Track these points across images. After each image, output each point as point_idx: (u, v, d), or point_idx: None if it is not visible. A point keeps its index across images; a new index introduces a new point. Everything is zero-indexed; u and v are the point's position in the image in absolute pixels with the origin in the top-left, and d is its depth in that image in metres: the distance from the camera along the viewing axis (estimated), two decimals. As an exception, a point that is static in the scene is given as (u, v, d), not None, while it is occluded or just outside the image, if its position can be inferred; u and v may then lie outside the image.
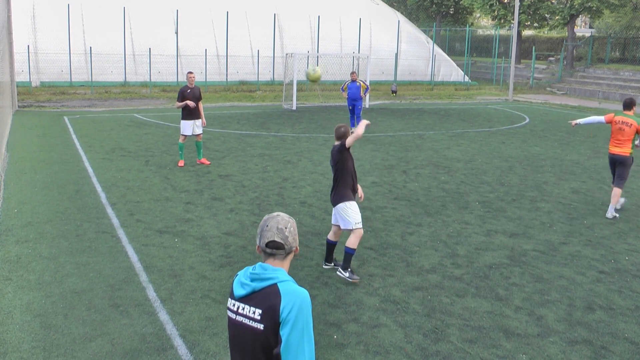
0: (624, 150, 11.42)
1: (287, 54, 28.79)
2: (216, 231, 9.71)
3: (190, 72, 14.46)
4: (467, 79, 44.71)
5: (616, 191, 11.42)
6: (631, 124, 11.28)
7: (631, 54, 52.19)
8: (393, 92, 35.06)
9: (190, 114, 14.22)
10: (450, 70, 44.47)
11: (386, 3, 50.28)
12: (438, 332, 6.64)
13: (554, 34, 57.52)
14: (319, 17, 37.40)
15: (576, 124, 12.29)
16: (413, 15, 59.92)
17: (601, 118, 12.01)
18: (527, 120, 26.05)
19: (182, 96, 14.11)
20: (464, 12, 62.06)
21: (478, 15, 62.89)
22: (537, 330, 6.83)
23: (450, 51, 50.97)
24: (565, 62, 47.10)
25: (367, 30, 39.28)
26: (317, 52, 36.61)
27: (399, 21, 41.62)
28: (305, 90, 29.91)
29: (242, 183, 12.85)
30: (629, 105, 11.49)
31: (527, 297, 7.69)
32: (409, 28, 44.10)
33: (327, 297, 7.38)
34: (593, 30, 59.86)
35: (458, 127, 22.70)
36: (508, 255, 9.15)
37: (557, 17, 47.04)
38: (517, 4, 36.71)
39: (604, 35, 53.20)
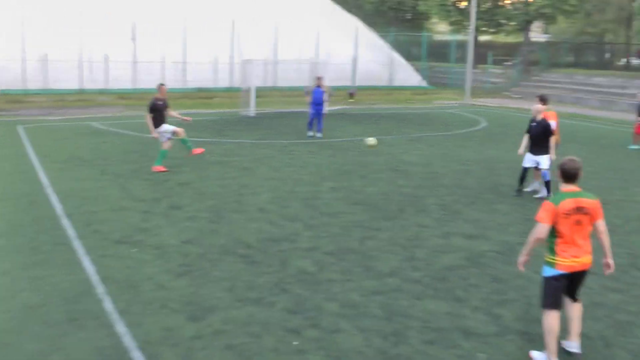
0: None
1: (244, 60, 28.72)
2: (174, 240, 9.61)
3: (162, 84, 14.55)
4: (424, 83, 45.14)
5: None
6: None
7: (584, 58, 53.28)
8: (351, 94, 35.23)
9: (163, 120, 14.32)
10: (407, 75, 44.86)
11: (344, 9, 50.46)
12: (397, 335, 6.67)
13: (510, 39, 58.39)
14: (277, 23, 37.37)
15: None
16: (371, 21, 60.22)
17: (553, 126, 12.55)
18: (484, 123, 26.41)
19: (154, 108, 14.12)
20: (421, 17, 62.67)
21: (435, 20, 63.51)
22: (495, 329, 6.92)
23: (408, 56, 51.29)
24: (521, 67, 47.85)
25: (325, 36, 39.38)
26: (276, 58, 36.63)
27: (357, 27, 41.83)
28: (263, 96, 29.83)
29: (200, 190, 12.76)
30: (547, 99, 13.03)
31: (485, 297, 7.79)
32: (367, 33, 44.36)
33: (286, 303, 7.36)
34: (548, 35, 60.95)
35: (416, 132, 22.91)
36: (466, 257, 9.25)
37: (513, 23, 47.81)
38: (473, 10, 37.21)
39: (559, 41, 54.25)
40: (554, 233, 6.14)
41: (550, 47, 52.51)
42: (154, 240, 9.59)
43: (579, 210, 6.08)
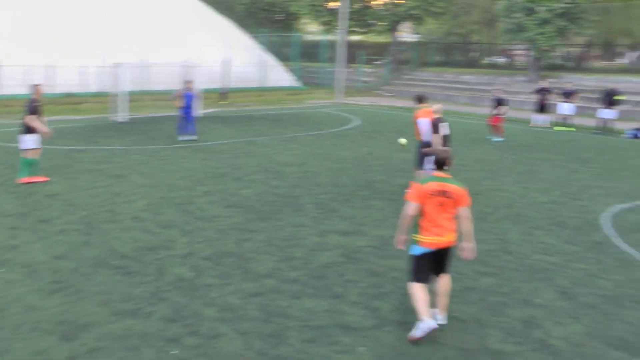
0: None
1: (114, 64, 27.86)
2: (45, 256, 9.14)
3: (38, 85, 13.67)
4: (297, 83, 45.54)
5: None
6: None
7: (452, 57, 55.59)
8: (222, 94, 35.00)
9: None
10: (280, 75, 45.12)
11: (215, 10, 50.03)
12: (277, 335, 6.69)
13: (381, 39, 59.92)
14: (147, 25, 36.50)
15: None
16: (242, 22, 60.06)
17: (426, 124, 12.88)
18: (357, 122, 26.97)
19: (34, 110, 13.30)
20: (293, 18, 63.17)
21: (306, 21, 64.19)
22: (373, 322, 7.10)
23: (280, 57, 51.57)
24: (391, 66, 49.22)
25: (196, 37, 38.86)
26: (147, 61, 35.75)
27: (228, 28, 41.56)
28: (135, 100, 29.04)
29: (70, 201, 12.24)
30: (424, 99, 13.57)
31: (363, 291, 7.97)
32: (238, 34, 44.22)
33: (165, 312, 7.20)
34: (417, 35, 62.99)
35: (289, 132, 23.07)
36: (343, 254, 9.41)
37: (382, 23, 49.08)
38: (343, 10, 37.90)
39: (428, 41, 56.27)
40: (420, 213, 6.78)
41: (419, 46, 54.35)
42: (22, 258, 9.06)
43: (443, 193, 6.75)
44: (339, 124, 26.02)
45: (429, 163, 12.74)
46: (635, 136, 25.35)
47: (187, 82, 20.81)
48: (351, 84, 46.97)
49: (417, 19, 49.16)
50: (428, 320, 6.57)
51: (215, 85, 37.51)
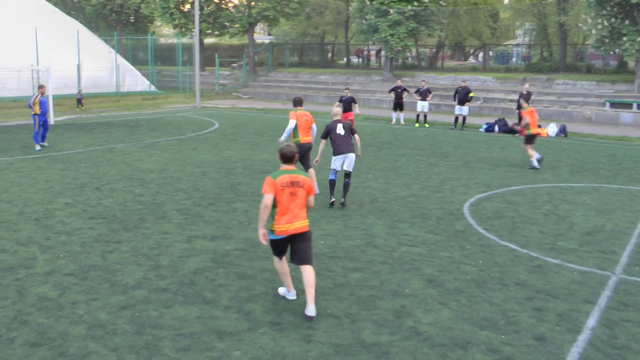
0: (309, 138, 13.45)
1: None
2: None
3: None
4: (153, 88, 44.62)
5: (312, 172, 13.31)
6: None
7: (308, 58, 56.46)
8: (79, 100, 33.84)
9: None
10: (135, 80, 44.01)
11: (63, 12, 48.01)
12: (150, 347, 6.55)
13: (235, 41, 59.86)
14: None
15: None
16: (93, 24, 58.03)
17: (291, 125, 13.10)
18: (217, 125, 26.85)
19: None
20: (145, 20, 61.78)
21: (159, 23, 63.00)
22: (247, 325, 7.10)
23: (135, 60, 50.31)
24: (248, 68, 49.31)
25: (45, 41, 37.03)
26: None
27: (78, 30, 39.93)
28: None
29: None
30: (299, 102, 13.50)
31: (234, 295, 7.96)
32: (90, 37, 42.67)
33: (28, 336, 6.78)
34: (272, 37, 63.52)
35: (148, 138, 22.60)
36: (211, 258, 9.36)
37: (236, 25, 49.04)
38: (197, 13, 37.50)
39: (282, 42, 56.84)
40: (275, 204, 7.39)
41: (275, 48, 54.79)
42: None
43: (294, 184, 7.47)
44: (199, 127, 25.77)
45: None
46: (489, 130, 26.97)
47: (41, 87, 19.90)
48: (209, 87, 46.63)
49: (271, 20, 49.53)
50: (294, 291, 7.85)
51: (70, 91, 36.05)
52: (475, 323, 7.29)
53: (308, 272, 7.42)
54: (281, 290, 8.00)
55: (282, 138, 13.24)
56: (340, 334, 6.92)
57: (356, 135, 12.99)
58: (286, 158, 7.65)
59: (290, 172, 7.54)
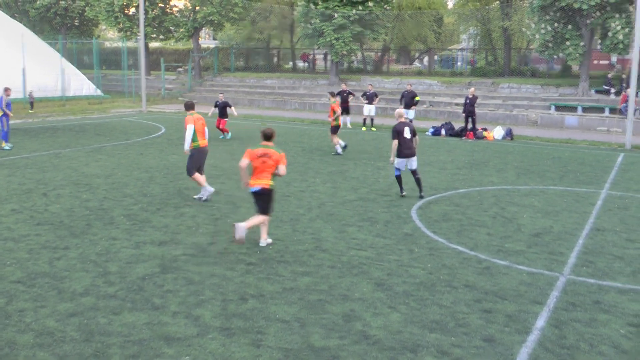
0: None
1: None
2: None
3: None
4: (99, 92, 43.96)
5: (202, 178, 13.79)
6: None
7: (254, 62, 56.42)
8: (31, 103, 33.34)
9: None
10: (81, 84, 43.27)
11: (7, 14, 46.93)
12: (99, 355, 6.50)
13: (180, 45, 59.38)
14: None
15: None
16: (37, 28, 56.81)
17: (190, 130, 13.23)
18: (163, 129, 26.66)
19: None
20: (90, 24, 60.82)
21: (104, 27, 62.10)
22: (196, 330, 7.11)
23: (80, 64, 49.53)
24: (193, 72, 48.98)
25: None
26: None
27: (22, 34, 39.02)
28: None
29: None
30: (191, 106, 13.58)
31: (183, 300, 7.96)
32: (34, 41, 41.76)
33: None
34: (217, 41, 63.22)
35: (95, 142, 22.32)
36: (159, 264, 9.33)
37: (181, 30, 48.69)
38: (141, 16, 37.15)
39: (228, 47, 56.66)
40: (251, 167, 10.09)
41: (220, 52, 54.55)
42: None
43: (265, 155, 10.08)
44: (146, 132, 25.54)
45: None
46: (436, 133, 27.36)
47: (7, 90, 20.59)
48: (155, 91, 46.19)
49: (215, 25, 49.31)
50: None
51: (14, 95, 35.11)
52: (425, 326, 7.40)
53: (265, 218, 10.28)
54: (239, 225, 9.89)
55: (186, 147, 13.37)
56: (289, 339, 6.97)
57: (417, 137, 14.21)
58: (266, 136, 10.28)
59: (265, 147, 10.18)
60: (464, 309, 7.93)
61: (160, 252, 9.93)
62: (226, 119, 24.32)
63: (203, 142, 13.37)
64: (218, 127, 24.02)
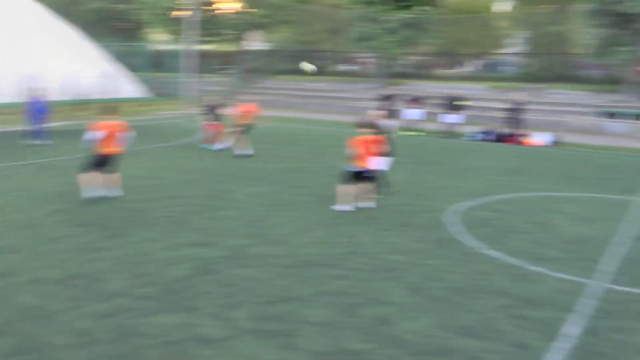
0: None
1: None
2: None
3: None
4: (149, 94, 44.57)
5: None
6: None
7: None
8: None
9: None
10: (131, 86, 43.91)
11: (62, 18, 47.90)
12: (133, 356, 6.53)
13: (229, 48, 59.87)
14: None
15: None
16: (91, 31, 57.87)
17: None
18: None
19: None
20: (142, 27, 61.80)
21: (157, 30, 63.05)
22: (230, 332, 7.14)
23: (130, 67, 50.23)
24: (241, 75, 49.37)
25: (43, 47, 36.63)
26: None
27: (76, 37, 39.68)
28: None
29: None
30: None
31: (217, 302, 8.00)
32: (86, 44, 42.58)
33: (10, 346, 6.68)
34: (266, 44, 63.56)
35: (140, 145, 22.59)
36: (196, 266, 9.39)
37: (232, 32, 49.16)
38: (191, 19, 37.53)
39: (277, 49, 56.99)
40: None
41: (269, 55, 54.87)
42: None
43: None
44: (190, 134, 25.81)
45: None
46: (480, 139, 27.10)
47: (36, 90, 21.85)
48: (202, 94, 46.62)
49: (268, 27, 49.65)
50: None
51: (67, 97, 35.89)
52: (457, 331, 7.34)
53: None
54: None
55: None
56: (321, 342, 6.96)
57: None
58: (364, 126, 12.56)
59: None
60: (497, 315, 7.86)
61: (197, 254, 10.00)
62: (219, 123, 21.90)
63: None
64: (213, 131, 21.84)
